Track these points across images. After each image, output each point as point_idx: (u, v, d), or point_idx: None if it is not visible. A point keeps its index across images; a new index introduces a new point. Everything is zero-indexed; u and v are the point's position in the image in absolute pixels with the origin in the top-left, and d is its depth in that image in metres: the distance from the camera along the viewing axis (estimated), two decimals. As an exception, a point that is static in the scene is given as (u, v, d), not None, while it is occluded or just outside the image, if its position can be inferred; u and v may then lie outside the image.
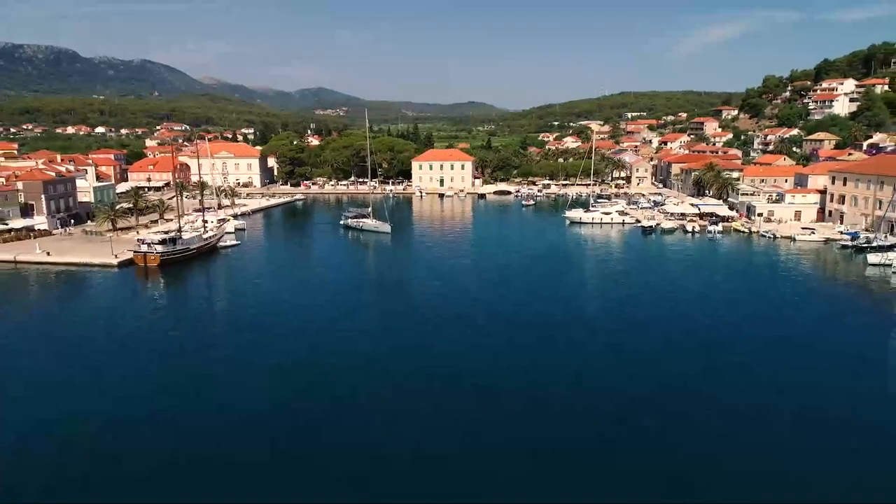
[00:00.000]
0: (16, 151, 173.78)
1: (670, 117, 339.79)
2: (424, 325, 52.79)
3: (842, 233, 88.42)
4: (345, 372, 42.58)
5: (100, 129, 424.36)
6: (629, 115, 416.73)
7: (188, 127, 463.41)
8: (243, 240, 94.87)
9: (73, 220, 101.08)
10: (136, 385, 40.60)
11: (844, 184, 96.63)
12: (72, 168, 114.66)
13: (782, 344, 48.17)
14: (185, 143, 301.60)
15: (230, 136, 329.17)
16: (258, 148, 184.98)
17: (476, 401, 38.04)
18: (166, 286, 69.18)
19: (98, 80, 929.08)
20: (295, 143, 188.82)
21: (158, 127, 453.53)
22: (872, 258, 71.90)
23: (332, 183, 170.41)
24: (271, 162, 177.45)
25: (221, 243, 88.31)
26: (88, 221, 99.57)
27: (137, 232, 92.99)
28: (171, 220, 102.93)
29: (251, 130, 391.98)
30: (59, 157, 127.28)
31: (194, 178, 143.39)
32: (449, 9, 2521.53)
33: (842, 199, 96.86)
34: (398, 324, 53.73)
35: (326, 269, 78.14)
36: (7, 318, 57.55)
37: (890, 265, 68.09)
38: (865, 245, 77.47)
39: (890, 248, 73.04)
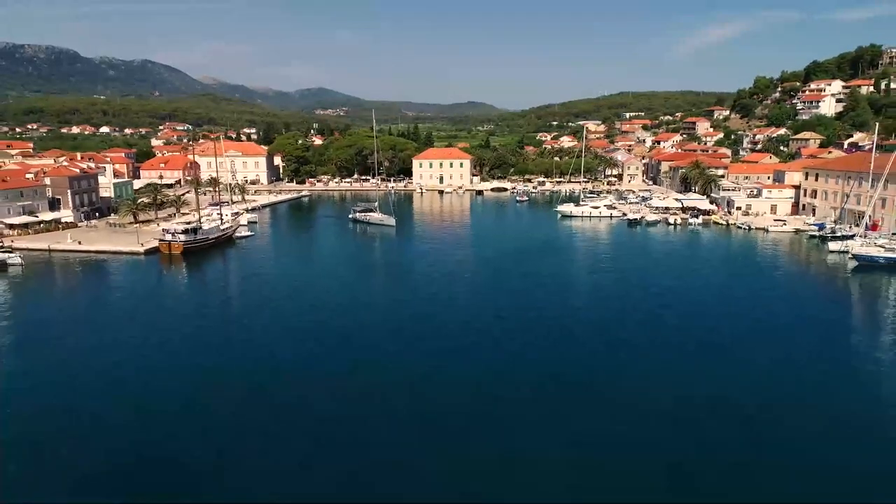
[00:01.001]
0: (31, 150, 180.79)
1: (668, 117, 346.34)
2: (427, 297, 60.00)
3: (810, 224, 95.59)
4: (367, 330, 50.00)
5: (104, 129, 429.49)
6: (627, 115, 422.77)
7: (190, 127, 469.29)
8: (256, 232, 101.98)
9: (97, 214, 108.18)
10: (181, 345, 47.71)
11: (816, 179, 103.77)
12: (92, 166, 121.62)
13: (738, 306, 56.25)
14: (192, 142, 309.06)
15: (234, 135, 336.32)
16: (264, 147, 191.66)
17: (473, 331, 45.68)
18: (189, 270, 76.16)
19: (99, 80, 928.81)
20: (300, 142, 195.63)
21: (161, 127, 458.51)
22: (833, 246, 79.16)
23: (335, 180, 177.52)
24: (277, 160, 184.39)
25: (237, 234, 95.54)
26: (112, 215, 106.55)
27: (158, 224, 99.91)
28: (187, 213, 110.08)
29: (253, 130, 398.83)
30: (79, 156, 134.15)
31: (203, 176, 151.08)
32: (449, 9, 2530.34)
33: (814, 194, 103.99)
34: (404, 296, 60.99)
35: (337, 255, 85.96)
36: (60, 296, 64.75)
37: (847, 252, 75.13)
38: (829, 235, 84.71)
39: (850, 237, 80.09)
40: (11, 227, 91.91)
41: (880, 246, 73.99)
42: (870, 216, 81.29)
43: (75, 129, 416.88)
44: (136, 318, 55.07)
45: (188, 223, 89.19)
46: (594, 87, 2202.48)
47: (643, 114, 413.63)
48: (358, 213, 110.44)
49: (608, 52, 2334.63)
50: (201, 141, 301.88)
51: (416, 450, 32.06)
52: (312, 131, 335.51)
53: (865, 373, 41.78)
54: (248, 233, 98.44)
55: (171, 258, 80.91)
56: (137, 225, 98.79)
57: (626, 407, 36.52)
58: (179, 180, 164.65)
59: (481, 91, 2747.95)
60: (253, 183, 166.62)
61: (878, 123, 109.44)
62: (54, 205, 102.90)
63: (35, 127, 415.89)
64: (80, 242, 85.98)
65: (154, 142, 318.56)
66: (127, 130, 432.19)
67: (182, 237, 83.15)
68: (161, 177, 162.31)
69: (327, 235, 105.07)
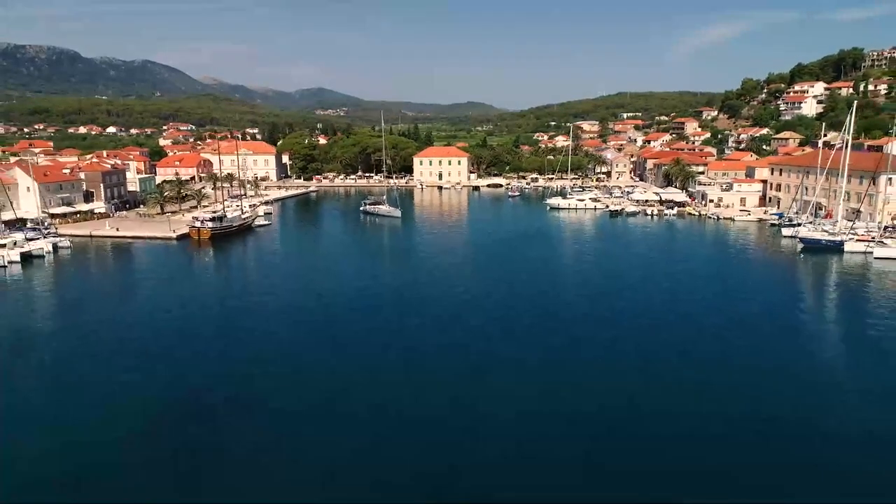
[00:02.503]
0: (52, 148, 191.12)
1: (663, 117, 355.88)
2: (429, 273, 70.38)
3: (771, 214, 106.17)
4: (374, 297, 60.15)
5: (111, 129, 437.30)
6: (624, 115, 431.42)
7: (193, 127, 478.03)
8: (272, 221, 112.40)
9: (126, 205, 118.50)
10: (223, 306, 58.12)
11: (780, 174, 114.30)
12: (119, 163, 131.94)
13: (694, 278, 66.40)
14: (198, 142, 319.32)
15: (240, 135, 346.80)
16: (273, 146, 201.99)
17: (470, 295, 55.78)
18: (217, 252, 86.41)
19: (100, 80, 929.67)
20: (307, 141, 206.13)
21: (165, 127, 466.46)
22: (785, 232, 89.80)
23: (341, 177, 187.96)
24: (285, 158, 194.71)
25: (256, 223, 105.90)
26: (141, 206, 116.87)
27: (182, 215, 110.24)
28: (207, 206, 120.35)
29: (256, 130, 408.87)
30: (104, 153, 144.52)
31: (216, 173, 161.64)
32: (449, 9, 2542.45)
33: (778, 188, 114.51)
34: (410, 274, 71.35)
35: (350, 240, 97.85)
36: (109, 271, 75.17)
37: (796, 236, 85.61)
38: (783, 223, 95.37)
39: (800, 224, 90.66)
40: (53, 216, 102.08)
41: (825, 231, 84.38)
42: (820, 205, 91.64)
43: (82, 129, 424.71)
44: (180, 286, 65.52)
45: (214, 212, 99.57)
46: (594, 87, 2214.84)
47: (640, 114, 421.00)
48: (368, 206, 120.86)
49: (608, 52, 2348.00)
50: (208, 140, 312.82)
51: (415, 361, 42.33)
52: (317, 131, 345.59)
53: (795, 324, 52.48)
54: (266, 222, 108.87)
55: (199, 242, 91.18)
56: (168, 214, 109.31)
57: (596, 322, 46.91)
58: (194, 177, 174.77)
59: (481, 91, 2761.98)
60: (263, 179, 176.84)
61: (824, 123, 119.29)
62: (88, 197, 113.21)
63: (42, 127, 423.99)
64: (117, 229, 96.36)
65: (162, 141, 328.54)
66: (133, 130, 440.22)
67: (210, 224, 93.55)
68: (177, 173, 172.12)
69: (340, 224, 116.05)
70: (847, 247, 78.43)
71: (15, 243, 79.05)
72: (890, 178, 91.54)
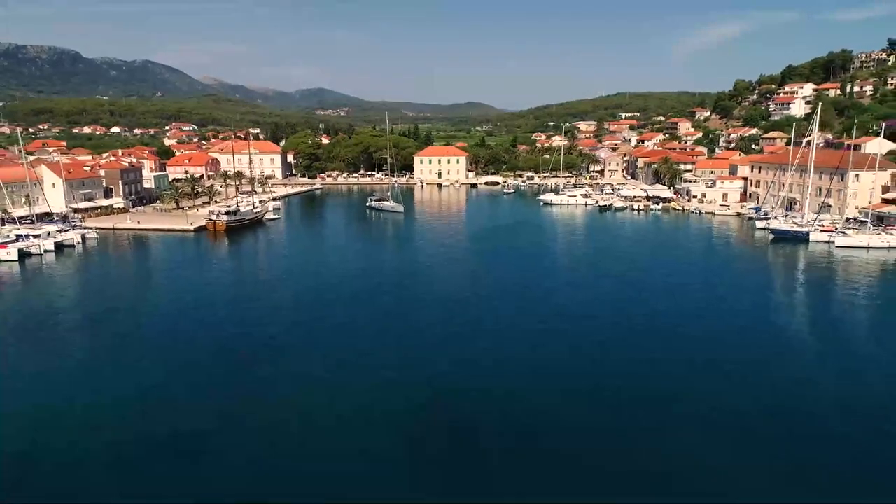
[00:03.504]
0: (65, 147, 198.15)
1: (660, 118, 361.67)
2: (429, 256, 77.52)
3: (748, 208, 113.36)
4: (380, 275, 67.30)
5: (115, 129, 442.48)
6: (623, 115, 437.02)
7: (195, 127, 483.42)
8: (281, 216, 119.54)
9: (142, 201, 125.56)
10: (243, 286, 65.22)
11: (759, 171, 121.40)
12: (135, 161, 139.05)
13: (676, 261, 73.69)
14: (203, 141, 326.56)
15: (243, 135, 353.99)
16: (279, 146, 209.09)
17: (465, 274, 63.01)
18: (232, 243, 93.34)
19: (100, 80, 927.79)
20: (312, 140, 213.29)
21: (168, 127, 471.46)
22: (759, 224, 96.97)
23: (344, 175, 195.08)
24: (289, 157, 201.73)
25: (266, 217, 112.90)
26: (158, 202, 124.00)
27: (197, 210, 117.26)
28: (219, 202, 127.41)
29: (257, 130, 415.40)
30: (120, 152, 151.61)
31: (223, 171, 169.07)
32: (449, 9, 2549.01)
33: (757, 184, 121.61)
34: (410, 255, 78.57)
35: (358, 232, 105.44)
36: (135, 259, 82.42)
37: (767, 228, 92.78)
38: (761, 216, 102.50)
39: (772, 217, 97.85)
40: (76, 210, 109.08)
41: (794, 223, 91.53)
42: (794, 199, 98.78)
43: (87, 130, 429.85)
44: (206, 269, 72.71)
45: (229, 207, 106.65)
46: (593, 88, 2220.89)
47: (638, 114, 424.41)
48: (373, 202, 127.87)
49: (608, 53, 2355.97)
50: (213, 140, 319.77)
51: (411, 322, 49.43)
52: (319, 130, 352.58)
53: (759, 299, 59.55)
54: (276, 216, 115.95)
55: (215, 234, 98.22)
56: (185, 209, 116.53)
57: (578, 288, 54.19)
58: (202, 175, 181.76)
59: (481, 92, 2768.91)
60: (269, 177, 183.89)
61: (794, 124, 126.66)
62: (108, 193, 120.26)
63: (46, 127, 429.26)
64: (138, 222, 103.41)
65: (167, 141, 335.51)
66: (137, 131, 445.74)
67: (225, 217, 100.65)
68: (186, 171, 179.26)
69: (346, 218, 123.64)
70: (812, 237, 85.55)
71: (49, 234, 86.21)
72: (857, 175, 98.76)
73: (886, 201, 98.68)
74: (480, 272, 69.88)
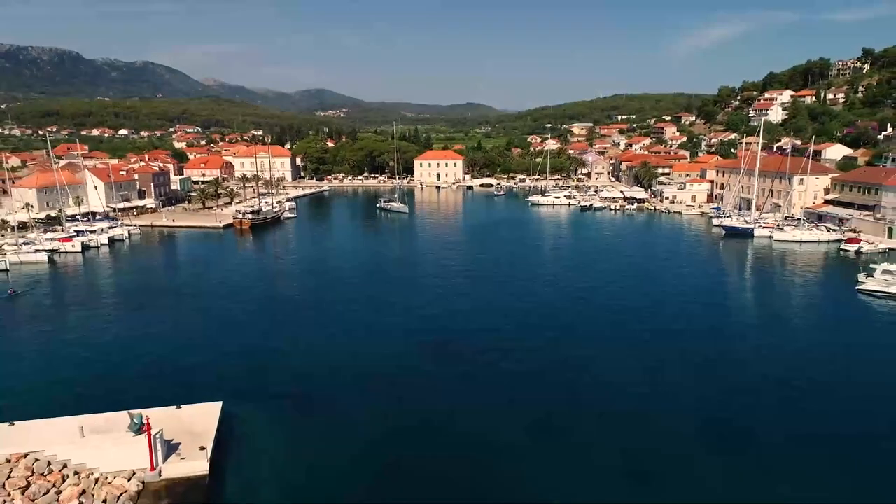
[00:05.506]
0: (86, 149, 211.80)
1: (652, 120, 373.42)
2: (430, 246, 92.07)
3: (711, 208, 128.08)
4: (389, 265, 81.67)
5: (123, 132, 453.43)
6: (619, 117, 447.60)
7: (200, 129, 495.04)
8: (298, 215, 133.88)
9: (171, 202, 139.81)
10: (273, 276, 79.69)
11: (724, 175, 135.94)
12: (163, 166, 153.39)
13: (639, 251, 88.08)
14: (212, 144, 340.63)
15: (249, 138, 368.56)
16: (288, 150, 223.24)
17: (461, 260, 77.18)
18: (257, 238, 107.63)
19: (102, 81, 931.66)
20: (319, 145, 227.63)
21: (172, 129, 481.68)
22: (715, 222, 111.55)
23: (349, 178, 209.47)
24: (297, 160, 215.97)
25: (284, 216, 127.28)
26: (186, 202, 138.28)
27: (221, 210, 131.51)
28: (238, 202, 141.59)
29: (260, 132, 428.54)
30: (146, 157, 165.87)
31: (236, 174, 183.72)
32: (448, 10, 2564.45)
33: (721, 186, 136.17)
34: (415, 245, 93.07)
35: (370, 229, 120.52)
36: (177, 251, 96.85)
37: (721, 225, 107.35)
38: (717, 215, 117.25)
39: (727, 216, 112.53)
40: (115, 210, 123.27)
41: (743, 220, 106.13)
42: (745, 199, 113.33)
43: (95, 132, 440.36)
44: (242, 256, 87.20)
45: (252, 206, 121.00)
46: (592, 89, 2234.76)
47: (634, 116, 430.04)
48: (383, 203, 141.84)
49: (607, 53, 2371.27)
50: (221, 143, 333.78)
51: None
52: (324, 133, 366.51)
53: (706, 281, 73.68)
54: (292, 215, 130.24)
55: (241, 231, 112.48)
56: (213, 208, 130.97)
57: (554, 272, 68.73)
58: (218, 177, 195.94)
59: (480, 92, 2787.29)
60: (280, 180, 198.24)
61: (762, 131, 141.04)
62: (141, 194, 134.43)
63: (54, 129, 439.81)
64: (173, 220, 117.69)
65: (176, 143, 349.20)
66: (143, 133, 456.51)
67: (249, 216, 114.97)
68: (203, 174, 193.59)
69: (357, 217, 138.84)
70: (756, 232, 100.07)
71: (102, 230, 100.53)
72: (801, 179, 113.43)
73: (828, 202, 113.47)
74: (472, 255, 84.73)
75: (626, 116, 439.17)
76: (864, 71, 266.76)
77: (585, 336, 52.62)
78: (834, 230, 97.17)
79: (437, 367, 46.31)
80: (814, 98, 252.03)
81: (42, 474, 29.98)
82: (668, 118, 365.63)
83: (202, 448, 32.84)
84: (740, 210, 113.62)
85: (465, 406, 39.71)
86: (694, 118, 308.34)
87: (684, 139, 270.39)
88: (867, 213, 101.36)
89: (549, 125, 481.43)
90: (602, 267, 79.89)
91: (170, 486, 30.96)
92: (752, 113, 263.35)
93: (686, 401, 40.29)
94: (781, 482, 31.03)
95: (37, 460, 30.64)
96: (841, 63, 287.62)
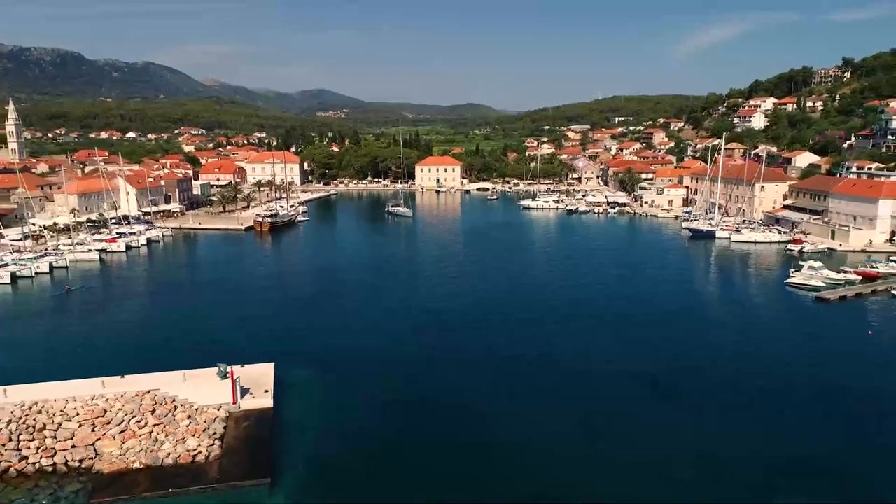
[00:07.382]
0: (106, 155, 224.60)
1: (648, 122, 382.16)
2: (430, 243, 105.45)
3: (684, 212, 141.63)
4: (395, 263, 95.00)
5: (130, 134, 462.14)
6: (616, 119, 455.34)
7: (204, 131, 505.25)
8: (309, 217, 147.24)
9: (194, 206, 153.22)
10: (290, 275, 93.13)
11: (697, 181, 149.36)
12: (187, 172, 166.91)
13: (613, 249, 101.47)
14: (219, 148, 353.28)
15: (254, 140, 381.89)
16: (297, 155, 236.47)
17: (457, 253, 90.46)
18: (276, 239, 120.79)
19: (103, 82, 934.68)
20: (326, 150, 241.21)
21: (177, 131, 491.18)
22: (685, 224, 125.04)
23: (354, 182, 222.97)
24: (305, 165, 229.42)
25: (298, 219, 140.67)
26: (207, 206, 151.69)
27: (241, 213, 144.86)
28: (255, 206, 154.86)
29: (263, 134, 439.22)
30: (167, 163, 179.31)
31: (249, 179, 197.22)
32: (448, 11, 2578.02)
33: (696, 191, 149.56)
34: (419, 244, 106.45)
35: (378, 230, 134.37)
36: (208, 250, 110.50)
37: (688, 228, 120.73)
38: (687, 218, 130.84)
39: (695, 219, 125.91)
40: (145, 213, 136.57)
41: (708, 223, 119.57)
42: (720, 204, 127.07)
43: (103, 135, 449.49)
44: (269, 254, 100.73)
45: (271, 210, 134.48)
46: (592, 89, 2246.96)
47: (631, 118, 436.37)
48: (390, 207, 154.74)
49: (607, 54, 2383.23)
50: (228, 147, 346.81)
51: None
52: (328, 137, 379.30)
53: (673, 274, 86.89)
54: (306, 218, 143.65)
55: (262, 232, 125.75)
56: (235, 211, 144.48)
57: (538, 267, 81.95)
58: (230, 182, 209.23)
59: (481, 93, 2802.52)
60: (289, 184, 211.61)
61: (725, 135, 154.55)
62: (167, 199, 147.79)
63: (63, 132, 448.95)
64: (199, 223, 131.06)
65: (185, 147, 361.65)
66: (150, 135, 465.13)
67: (269, 219, 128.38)
68: (218, 179, 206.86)
69: (366, 220, 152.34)
70: (718, 234, 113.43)
71: (140, 232, 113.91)
72: (762, 186, 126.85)
73: (785, 207, 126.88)
74: (465, 250, 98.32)
75: (623, 118, 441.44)
76: (844, 80, 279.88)
77: (553, 319, 65.76)
78: (785, 232, 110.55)
79: (437, 341, 59.74)
80: (795, 106, 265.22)
81: (161, 403, 43.34)
82: (660, 122, 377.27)
83: (266, 391, 46.16)
84: (707, 214, 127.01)
85: (451, 360, 53.54)
86: (683, 124, 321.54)
87: (672, 144, 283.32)
88: (816, 217, 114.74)
89: (547, 127, 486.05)
90: (578, 262, 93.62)
91: (247, 415, 44.20)
92: (736, 119, 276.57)
93: (613, 356, 53.95)
94: (704, 420, 44.42)
95: (156, 395, 44.03)
96: (823, 71, 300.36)
